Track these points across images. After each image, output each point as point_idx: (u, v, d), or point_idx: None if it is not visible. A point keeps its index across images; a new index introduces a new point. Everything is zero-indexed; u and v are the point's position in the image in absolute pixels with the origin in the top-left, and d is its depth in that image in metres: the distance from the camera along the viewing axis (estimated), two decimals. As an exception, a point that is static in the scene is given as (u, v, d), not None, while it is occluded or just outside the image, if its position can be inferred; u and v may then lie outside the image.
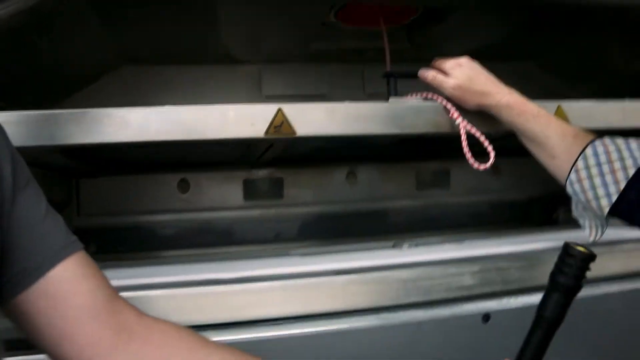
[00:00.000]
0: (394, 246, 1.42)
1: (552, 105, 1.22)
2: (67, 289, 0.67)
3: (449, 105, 1.14)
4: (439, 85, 1.15)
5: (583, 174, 0.99)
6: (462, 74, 1.14)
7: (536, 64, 1.85)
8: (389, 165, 1.75)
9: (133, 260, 1.43)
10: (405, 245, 1.40)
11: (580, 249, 0.75)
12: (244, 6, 1.34)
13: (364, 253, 1.35)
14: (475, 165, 1.12)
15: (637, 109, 1.30)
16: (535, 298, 1.08)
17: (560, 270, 0.77)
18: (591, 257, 0.75)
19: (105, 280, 0.72)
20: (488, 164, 1.12)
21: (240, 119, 1.05)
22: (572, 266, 0.75)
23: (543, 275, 1.11)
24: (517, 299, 1.12)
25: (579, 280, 0.76)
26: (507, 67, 1.85)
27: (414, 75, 1.22)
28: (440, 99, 1.16)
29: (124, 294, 0.74)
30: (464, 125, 1.13)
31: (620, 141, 0.99)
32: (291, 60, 1.68)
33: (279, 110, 1.06)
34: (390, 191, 1.76)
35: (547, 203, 1.85)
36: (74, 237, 0.71)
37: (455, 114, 1.13)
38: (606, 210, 0.96)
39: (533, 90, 1.90)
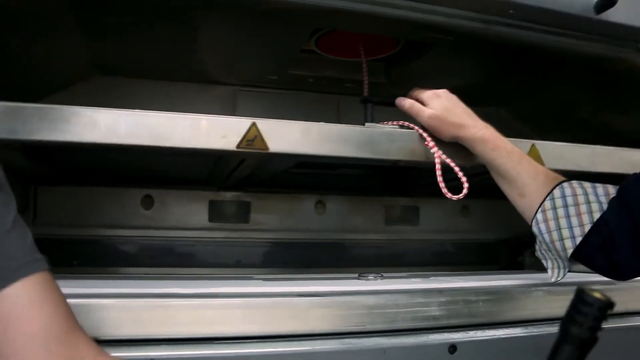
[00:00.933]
0: (359, 277, 1.39)
1: (527, 144, 1.22)
2: (21, 312, 0.62)
3: (425, 134, 1.14)
4: (416, 114, 1.15)
5: (550, 214, 0.99)
6: (439, 104, 1.14)
7: (507, 109, 1.88)
8: (359, 198, 1.74)
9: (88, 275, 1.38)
10: (371, 277, 1.38)
11: (597, 295, 0.65)
12: (224, 30, 1.33)
13: (328, 280, 1.33)
14: (449, 195, 1.11)
15: (606, 154, 1.32)
16: (503, 332, 1.09)
17: (573, 319, 0.65)
18: (609, 305, 0.65)
19: (66, 309, 0.67)
20: (461, 195, 1.11)
21: (212, 130, 1.02)
22: (588, 315, 0.64)
23: (511, 310, 1.13)
24: (485, 332, 1.09)
25: (595, 331, 0.65)
26: (479, 111, 1.89)
27: (391, 103, 1.21)
28: (416, 128, 1.15)
29: (75, 301, 0.70)
30: (439, 155, 1.12)
31: (587, 185, 1.00)
32: (268, 85, 1.67)
33: (253, 124, 1.04)
34: (359, 224, 1.74)
35: (513, 246, 1.85)
36: (40, 256, 0.66)
37: (431, 143, 1.12)
38: (570, 252, 0.97)
39: (503, 134, 1.93)
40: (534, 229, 1.03)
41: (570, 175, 1.08)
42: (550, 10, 1.17)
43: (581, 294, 0.65)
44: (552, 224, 0.99)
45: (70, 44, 1.34)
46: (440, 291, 1.12)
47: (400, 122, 1.19)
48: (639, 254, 0.91)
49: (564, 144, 1.29)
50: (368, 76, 1.50)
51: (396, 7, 1.18)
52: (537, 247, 1.08)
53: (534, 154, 1.23)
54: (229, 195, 1.62)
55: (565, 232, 0.97)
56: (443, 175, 1.12)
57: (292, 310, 0.98)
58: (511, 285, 1.25)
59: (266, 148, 1.05)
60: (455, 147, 1.15)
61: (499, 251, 1.88)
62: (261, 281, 1.31)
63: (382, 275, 1.39)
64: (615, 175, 1.33)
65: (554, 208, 0.99)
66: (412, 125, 1.17)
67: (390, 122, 1.20)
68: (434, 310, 1.07)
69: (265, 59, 1.52)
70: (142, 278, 1.27)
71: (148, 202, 1.56)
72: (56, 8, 1.16)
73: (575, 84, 1.59)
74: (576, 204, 0.98)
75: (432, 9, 1.19)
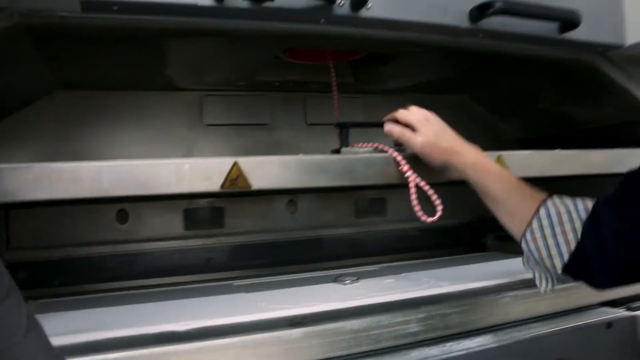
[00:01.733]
0: (336, 281, 1.46)
1: (493, 155, 1.28)
2: None
3: (399, 158, 1.18)
4: (407, 142, 1.17)
5: (537, 233, 1.04)
6: (430, 131, 1.16)
7: (470, 96, 1.93)
8: (329, 194, 1.78)
9: (69, 298, 1.39)
10: (347, 281, 1.44)
11: None
12: (193, 51, 1.33)
13: (309, 289, 1.38)
14: (423, 218, 1.17)
15: (568, 158, 1.40)
16: (475, 341, 1.18)
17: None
18: None
19: None
20: (435, 217, 1.16)
21: (196, 173, 1.04)
22: None
23: (483, 317, 1.22)
24: (459, 343, 1.17)
25: None
26: (442, 99, 1.95)
27: (366, 125, 1.25)
28: (390, 151, 1.19)
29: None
30: (413, 179, 1.17)
31: (568, 202, 1.05)
32: (234, 89, 1.68)
33: (235, 163, 1.06)
34: (330, 219, 1.79)
35: (476, 229, 1.94)
36: (56, 351, 0.67)
37: (405, 167, 1.17)
38: (559, 268, 1.02)
39: (465, 120, 2.00)
40: (524, 246, 1.07)
41: (537, 180, 1.15)
42: (517, 34, 1.21)
43: None
44: (540, 242, 1.03)
45: (34, 69, 1.32)
46: (418, 306, 1.18)
47: (375, 145, 1.22)
48: (611, 276, 0.98)
49: (529, 151, 1.36)
50: (336, 77, 1.53)
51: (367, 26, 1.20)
52: (524, 261, 1.12)
53: (501, 163, 1.30)
54: (202, 202, 1.64)
55: (554, 250, 1.02)
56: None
57: (285, 344, 1.03)
58: (481, 287, 1.32)
59: (249, 186, 1.07)
60: (427, 169, 1.20)
61: (463, 234, 1.97)
62: (244, 293, 1.36)
63: (357, 278, 1.46)
64: (578, 176, 1.42)
65: (541, 227, 1.03)
66: (386, 148, 1.21)
67: (364, 144, 1.24)
68: (413, 327, 1.15)
69: (233, 71, 1.53)
70: (126, 301, 1.29)
71: (123, 216, 1.56)
72: (18, 46, 1.14)
73: (536, 78, 1.66)
74: (561, 223, 1.02)
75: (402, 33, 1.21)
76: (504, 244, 1.82)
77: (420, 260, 1.77)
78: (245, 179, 1.07)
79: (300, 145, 1.77)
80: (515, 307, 1.26)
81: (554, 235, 1.02)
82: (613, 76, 1.50)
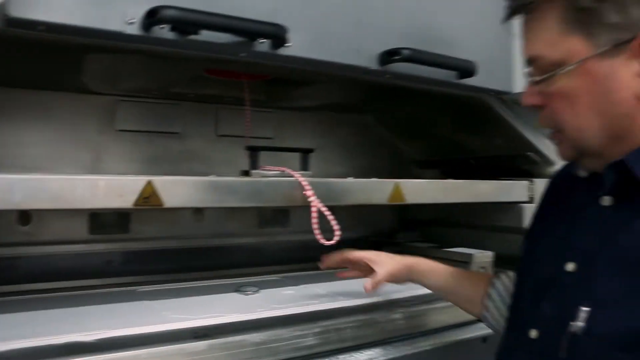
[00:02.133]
0: (238, 291, 1.52)
1: (390, 183, 1.39)
2: None
3: (304, 183, 1.26)
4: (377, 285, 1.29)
5: (494, 312, 1.17)
6: (384, 271, 1.29)
7: (373, 117, 2.05)
8: (234, 203, 1.84)
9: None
10: (249, 292, 1.51)
11: None
12: (110, 60, 1.35)
13: (212, 299, 1.44)
14: (323, 241, 1.26)
15: (456, 187, 1.54)
16: (366, 354, 1.28)
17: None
18: None
19: None
20: (333, 241, 1.26)
21: (110, 190, 1.06)
22: None
23: (373, 333, 1.32)
24: (351, 356, 1.27)
25: None
26: (348, 118, 2.06)
27: (273, 149, 1.33)
28: (296, 176, 1.27)
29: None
30: (315, 204, 1.25)
31: (511, 274, 1.18)
32: (148, 96, 1.70)
33: (149, 182, 1.10)
34: (235, 229, 1.85)
35: (373, 243, 2.05)
36: None
37: (309, 192, 1.25)
38: None
39: (369, 139, 2.12)
40: (485, 323, 1.21)
41: (430, 205, 1.33)
42: (420, 77, 1.33)
43: None
44: (497, 316, 1.16)
45: None
46: (315, 320, 1.27)
47: (282, 169, 1.29)
48: None
49: (422, 180, 1.48)
50: (250, 93, 1.59)
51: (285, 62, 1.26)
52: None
53: (397, 191, 1.41)
54: (108, 206, 1.65)
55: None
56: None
57: (190, 356, 1.09)
58: (373, 303, 1.42)
59: (161, 204, 1.11)
60: (332, 193, 1.29)
61: (360, 247, 2.07)
62: (149, 301, 1.39)
63: (258, 289, 1.53)
64: (465, 204, 1.56)
65: (495, 306, 1.17)
66: (292, 172, 1.28)
67: (272, 168, 1.31)
68: (310, 340, 1.24)
69: (150, 82, 1.56)
70: (28, 307, 1.29)
71: (25, 218, 1.54)
72: None
73: (435, 108, 1.80)
74: (507, 290, 1.16)
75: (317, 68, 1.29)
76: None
77: (319, 271, 1.86)
78: (158, 197, 1.11)
79: (210, 155, 1.81)
80: (404, 322, 1.38)
81: (504, 303, 1.15)
82: (503, 114, 1.66)
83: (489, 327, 1.22)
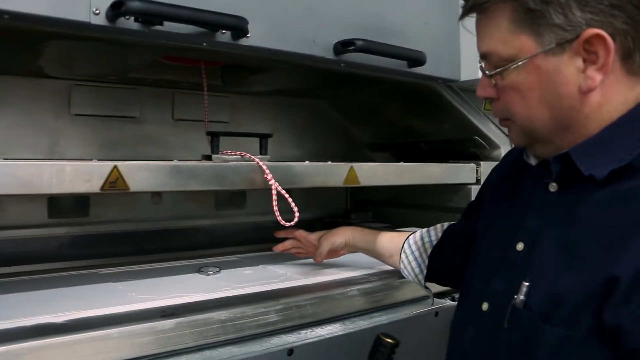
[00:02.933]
0: (199, 272, 1.57)
1: (346, 166, 1.46)
2: None
3: (264, 167, 1.31)
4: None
5: (406, 262, 1.40)
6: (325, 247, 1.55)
7: (326, 102, 2.11)
8: (192, 186, 1.87)
9: None
10: (210, 272, 1.56)
11: (389, 340, 1.05)
12: (69, 46, 1.36)
13: (174, 279, 1.48)
14: (283, 222, 1.32)
15: (409, 170, 1.62)
16: (326, 329, 1.35)
17: (374, 357, 1.05)
18: (397, 344, 1.04)
19: None
20: (293, 222, 1.32)
21: (77, 175, 1.09)
22: (383, 353, 1.02)
23: (333, 308, 1.39)
24: (313, 330, 1.34)
25: None
26: (302, 102, 2.11)
27: (234, 134, 1.37)
28: (256, 160, 1.32)
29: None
30: (275, 187, 1.30)
31: (424, 231, 1.40)
32: (104, 80, 1.71)
33: (115, 167, 1.13)
34: (192, 211, 1.89)
35: (326, 224, 2.13)
36: None
37: (269, 175, 1.30)
38: (422, 281, 1.39)
39: (322, 123, 2.18)
40: (403, 273, 1.42)
41: (383, 187, 1.44)
42: (373, 66, 1.40)
43: (379, 339, 1.07)
44: (409, 267, 1.40)
45: None
46: (277, 298, 1.33)
47: (242, 153, 1.34)
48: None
49: (376, 164, 1.55)
50: (206, 79, 1.63)
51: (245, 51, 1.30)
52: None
53: (352, 174, 1.48)
54: (67, 191, 1.66)
55: (417, 270, 1.38)
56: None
57: (159, 334, 1.12)
58: (331, 280, 1.50)
59: (127, 188, 1.15)
60: (290, 176, 1.35)
61: (315, 228, 2.14)
62: (113, 283, 1.43)
63: (219, 270, 1.58)
64: (416, 186, 1.65)
65: (407, 257, 1.40)
66: (252, 157, 1.33)
67: (233, 152, 1.35)
68: (273, 317, 1.29)
69: (107, 67, 1.57)
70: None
71: (-17, 202, 1.56)
72: None
73: (385, 93, 1.87)
74: (418, 249, 1.39)
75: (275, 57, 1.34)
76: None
77: (275, 252, 1.92)
78: (124, 182, 1.15)
79: (167, 139, 1.85)
80: (360, 299, 1.45)
81: (415, 259, 1.38)
82: (451, 100, 1.75)
83: (405, 277, 1.42)
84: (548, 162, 0.91)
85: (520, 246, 0.93)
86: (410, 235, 1.42)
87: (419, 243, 1.39)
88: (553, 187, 0.91)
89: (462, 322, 1.02)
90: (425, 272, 1.37)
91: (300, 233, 1.61)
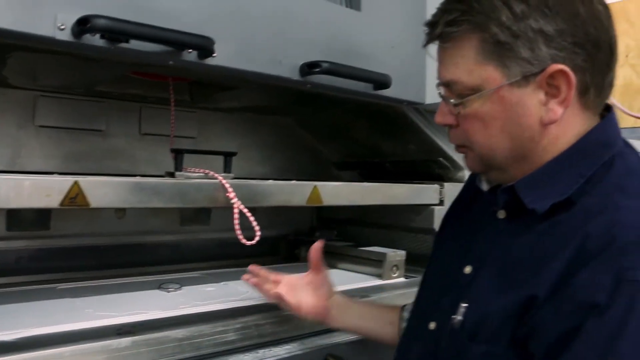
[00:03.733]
0: (160, 288, 1.56)
1: (309, 186, 1.46)
2: None
3: (227, 185, 1.31)
4: None
5: None
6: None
7: (294, 120, 2.12)
8: (157, 201, 1.86)
9: None
10: (171, 288, 1.55)
11: None
12: (36, 58, 1.35)
13: (134, 296, 1.47)
14: (244, 241, 1.32)
15: (372, 190, 1.63)
16: (284, 349, 1.35)
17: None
18: None
19: None
20: (254, 241, 1.32)
21: (36, 190, 1.07)
22: None
23: (290, 329, 1.39)
24: (270, 351, 1.34)
25: None
26: (270, 120, 2.12)
27: (198, 152, 1.37)
28: (220, 178, 1.32)
29: None
30: (237, 205, 1.31)
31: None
32: (70, 92, 1.70)
33: (75, 182, 1.12)
34: (156, 226, 1.87)
35: (291, 241, 2.13)
36: None
37: (231, 194, 1.30)
38: None
39: (290, 141, 2.19)
40: None
41: (347, 208, 1.35)
42: (339, 87, 1.41)
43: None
44: None
45: None
46: (235, 316, 1.33)
47: (206, 171, 1.34)
48: None
49: (340, 183, 1.56)
50: (174, 94, 1.63)
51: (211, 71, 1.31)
52: None
53: (315, 194, 1.49)
54: (28, 203, 1.64)
55: None
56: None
57: (114, 352, 1.11)
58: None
59: (88, 204, 1.14)
60: (253, 194, 1.36)
61: (280, 245, 2.15)
62: (71, 299, 1.41)
63: (180, 286, 1.58)
64: (379, 207, 1.66)
65: None
66: (216, 175, 1.33)
67: (197, 170, 1.35)
68: (231, 336, 1.29)
69: (74, 80, 1.56)
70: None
71: (-60, 213, 1.53)
72: None
73: (354, 114, 1.89)
74: None
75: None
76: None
77: (239, 268, 1.91)
78: (84, 198, 1.14)
79: (133, 153, 1.83)
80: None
81: None
82: (417, 122, 1.77)
83: None
84: (497, 190, 0.95)
85: (468, 269, 0.96)
86: (402, 311, 1.28)
87: None
88: (502, 214, 0.95)
89: (409, 339, 1.05)
90: None
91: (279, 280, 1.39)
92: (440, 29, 0.88)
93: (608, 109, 0.94)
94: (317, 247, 1.35)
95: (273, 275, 1.38)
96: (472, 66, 0.86)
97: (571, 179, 0.87)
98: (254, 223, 1.32)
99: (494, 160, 0.91)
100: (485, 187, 1.01)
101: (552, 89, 0.85)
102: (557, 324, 0.77)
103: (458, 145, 0.97)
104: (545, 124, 0.86)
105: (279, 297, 1.32)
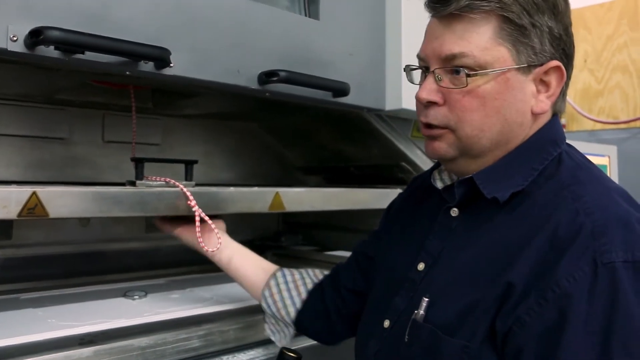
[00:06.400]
0: (125, 296, 1.56)
1: (271, 192, 1.48)
2: None
3: (188, 194, 1.32)
4: None
5: (274, 289, 1.29)
6: None
7: (258, 125, 2.14)
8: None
9: None
10: (136, 296, 1.55)
11: (291, 354, 1.08)
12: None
13: (99, 304, 1.47)
14: (206, 248, 1.33)
15: (334, 195, 1.64)
16: (248, 354, 1.36)
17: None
18: (299, 358, 1.07)
19: None
20: (216, 248, 1.33)
21: None
22: None
23: (254, 334, 1.40)
24: (234, 357, 1.35)
25: None
26: (234, 125, 2.13)
27: (160, 160, 1.38)
28: (180, 186, 1.33)
29: None
30: (199, 213, 1.31)
31: (301, 269, 1.33)
32: (31, 100, 1.69)
33: (33, 193, 1.12)
34: (121, 233, 1.87)
35: (257, 247, 2.13)
36: None
37: (192, 202, 1.31)
38: (293, 314, 1.27)
39: (254, 146, 2.20)
40: (263, 304, 1.31)
41: (310, 213, 1.39)
42: (298, 95, 1.43)
43: (282, 354, 1.12)
44: (277, 297, 1.29)
45: None
46: (199, 323, 1.34)
47: (167, 179, 1.35)
48: (349, 325, 1.23)
49: (302, 189, 1.58)
50: (136, 101, 1.63)
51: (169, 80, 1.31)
52: (266, 326, 1.34)
53: (277, 200, 1.50)
54: (-11, 212, 1.63)
55: (288, 302, 1.28)
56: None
57: None
58: (255, 307, 1.49)
59: (47, 214, 1.13)
60: (215, 202, 1.37)
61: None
62: (33, 309, 1.41)
63: (145, 294, 1.58)
64: (344, 211, 1.68)
65: (277, 284, 1.30)
66: (177, 183, 1.34)
67: (157, 178, 1.35)
68: (195, 343, 1.30)
69: (34, 89, 1.56)
70: None
71: None
72: None
73: (317, 120, 1.91)
74: (294, 281, 1.30)
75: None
76: (281, 260, 2.04)
77: (206, 274, 1.92)
78: (43, 208, 1.13)
79: (96, 161, 1.83)
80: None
81: (288, 290, 1.29)
82: (379, 127, 1.80)
83: (263, 308, 1.31)
84: (451, 188, 0.98)
85: (421, 266, 0.99)
86: (284, 268, 1.34)
87: (297, 276, 1.31)
88: (454, 212, 0.98)
89: (365, 338, 1.07)
90: (298, 305, 1.27)
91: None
92: (465, 2, 0.88)
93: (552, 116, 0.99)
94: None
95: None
96: (486, 43, 0.89)
97: (526, 172, 0.92)
98: (216, 231, 1.33)
99: (477, 144, 0.93)
100: (439, 185, 1.03)
101: (542, 84, 0.92)
102: (544, 312, 0.79)
103: (436, 127, 0.95)
104: (534, 114, 0.92)
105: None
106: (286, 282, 1.30)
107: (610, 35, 2.78)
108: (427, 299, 0.92)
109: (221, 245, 1.35)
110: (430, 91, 0.93)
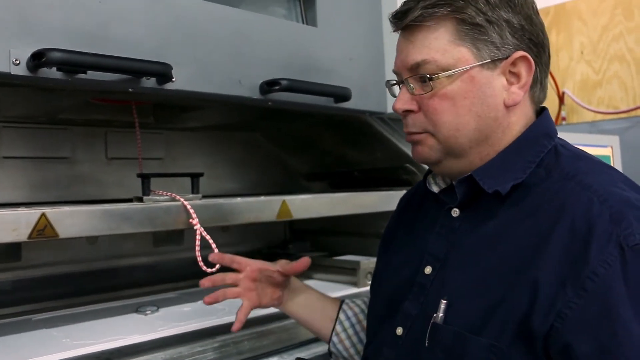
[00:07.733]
0: (137, 311, 1.56)
1: (278, 201, 1.48)
2: None
3: (191, 210, 1.32)
4: None
5: (342, 335, 1.27)
6: None
7: (262, 134, 2.14)
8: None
9: None
10: (148, 311, 1.55)
11: None
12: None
13: (112, 321, 1.47)
14: (204, 267, 1.33)
15: (340, 200, 1.64)
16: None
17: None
18: None
19: None
20: (214, 269, 1.33)
21: (2, 224, 1.07)
22: None
23: (270, 343, 1.40)
24: (251, 367, 1.35)
25: None
26: (237, 136, 2.13)
27: (166, 175, 1.38)
28: (182, 200, 1.33)
29: None
30: (200, 231, 1.31)
31: (359, 301, 1.30)
32: (34, 121, 1.69)
33: (43, 214, 1.13)
34: (130, 249, 1.87)
35: (266, 255, 2.14)
36: None
37: (195, 220, 1.31)
38: (362, 350, 1.23)
39: (257, 155, 2.21)
40: (333, 349, 1.28)
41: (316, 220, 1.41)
42: (300, 103, 1.43)
43: None
44: (346, 342, 1.27)
45: None
46: (213, 335, 1.34)
47: (172, 194, 1.35)
48: None
49: (308, 196, 1.58)
50: (138, 117, 1.64)
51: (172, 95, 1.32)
52: None
53: (284, 208, 1.50)
54: (-3, 235, 1.63)
55: (360, 346, 1.26)
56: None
57: None
58: (270, 315, 1.50)
59: (56, 235, 1.14)
60: (222, 213, 1.37)
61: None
62: (46, 329, 1.41)
63: (157, 308, 1.58)
64: (350, 215, 1.68)
65: (344, 330, 1.27)
66: (179, 198, 1.33)
67: (164, 192, 1.36)
68: (210, 355, 1.30)
69: (35, 110, 1.56)
70: None
71: None
72: None
73: (320, 126, 1.91)
74: (359, 322, 1.28)
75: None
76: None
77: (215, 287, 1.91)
78: (52, 229, 1.14)
79: (101, 178, 1.83)
80: (297, 331, 1.47)
81: (356, 334, 1.27)
82: (381, 130, 1.80)
83: (333, 353, 1.29)
84: (450, 189, 1.00)
85: (428, 269, 0.98)
86: (342, 304, 1.31)
87: (360, 316, 1.28)
88: (455, 212, 0.99)
89: (378, 347, 1.06)
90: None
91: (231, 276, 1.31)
92: (418, 12, 0.92)
93: (542, 110, 1.01)
94: (305, 262, 1.31)
95: (236, 264, 1.32)
96: (445, 46, 0.91)
97: (523, 164, 0.93)
98: (214, 245, 1.33)
99: (456, 144, 0.94)
100: (435, 189, 1.04)
101: (512, 76, 0.93)
102: (586, 303, 0.79)
103: (416, 132, 0.98)
104: (508, 106, 0.93)
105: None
106: (352, 325, 1.27)
107: (605, 25, 2.78)
108: (445, 301, 0.92)
109: (283, 299, 1.32)
110: (405, 101, 0.97)
